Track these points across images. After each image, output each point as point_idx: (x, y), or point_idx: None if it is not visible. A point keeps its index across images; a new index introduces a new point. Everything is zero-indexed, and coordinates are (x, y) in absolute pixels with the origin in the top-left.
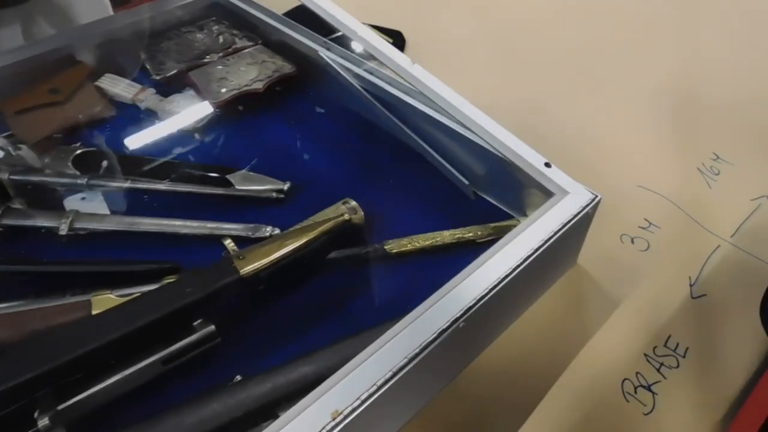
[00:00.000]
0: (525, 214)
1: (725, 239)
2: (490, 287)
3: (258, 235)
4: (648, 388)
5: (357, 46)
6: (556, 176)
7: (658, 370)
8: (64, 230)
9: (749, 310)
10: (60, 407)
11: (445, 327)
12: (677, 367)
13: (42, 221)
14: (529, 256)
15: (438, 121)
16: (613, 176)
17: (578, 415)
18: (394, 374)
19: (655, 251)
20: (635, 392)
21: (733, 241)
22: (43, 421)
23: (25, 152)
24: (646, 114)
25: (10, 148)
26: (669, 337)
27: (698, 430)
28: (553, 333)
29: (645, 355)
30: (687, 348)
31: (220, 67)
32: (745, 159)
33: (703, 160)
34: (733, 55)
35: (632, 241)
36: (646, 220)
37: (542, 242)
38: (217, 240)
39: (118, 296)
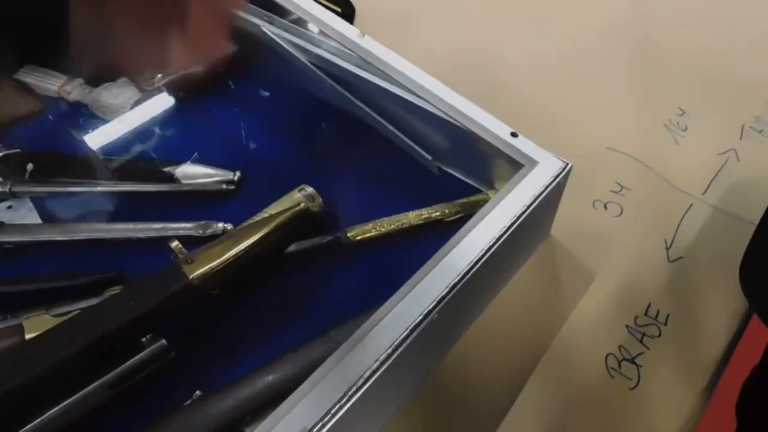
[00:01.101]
0: (493, 187)
1: (697, 197)
2: (464, 272)
3: (209, 232)
4: (632, 360)
5: (302, 19)
6: (524, 146)
7: (640, 341)
8: None
9: (726, 268)
10: None
11: (417, 321)
12: (659, 336)
13: None
14: (502, 235)
15: (395, 95)
16: (581, 140)
17: (564, 396)
18: (366, 380)
19: (628, 216)
20: (619, 367)
21: (705, 198)
22: None
23: None
24: (609, 73)
25: None
26: (649, 305)
27: (684, 400)
28: (532, 311)
29: (626, 326)
30: (668, 315)
31: None
32: (710, 111)
33: (669, 116)
34: (691, 7)
35: (605, 207)
36: (617, 183)
37: (515, 217)
38: (164, 242)
39: (53, 316)
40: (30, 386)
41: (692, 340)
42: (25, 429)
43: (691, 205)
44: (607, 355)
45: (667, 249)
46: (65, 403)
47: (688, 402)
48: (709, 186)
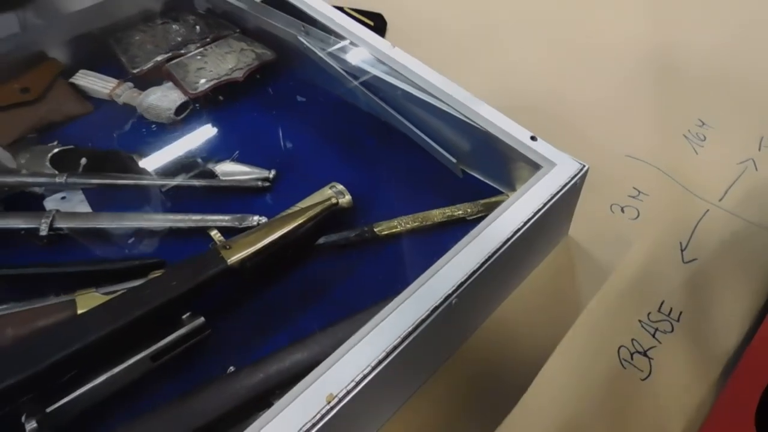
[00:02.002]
0: (514, 189)
1: (714, 203)
2: (482, 262)
3: (245, 224)
4: (644, 353)
5: (337, 30)
6: (542, 148)
7: (653, 336)
8: (44, 231)
9: (740, 272)
10: (48, 410)
11: (437, 304)
12: (672, 331)
13: (21, 223)
14: (519, 229)
15: (422, 101)
16: (601, 147)
17: (577, 385)
18: (388, 354)
19: (645, 219)
20: (631, 358)
21: (722, 204)
22: (31, 425)
23: (0, 153)
24: (630, 83)
25: None
26: (662, 302)
27: (694, 392)
28: (548, 305)
29: (639, 321)
30: (680, 312)
31: (197, 57)
32: (730, 123)
33: (688, 126)
34: (711, 20)
35: (622, 210)
36: (635, 188)
37: (532, 214)
38: (203, 233)
39: (103, 293)
40: (81, 355)
41: (704, 336)
42: (75, 394)
43: (708, 210)
44: (620, 347)
45: (682, 251)
46: (112, 371)
47: (698, 395)
48: (726, 193)
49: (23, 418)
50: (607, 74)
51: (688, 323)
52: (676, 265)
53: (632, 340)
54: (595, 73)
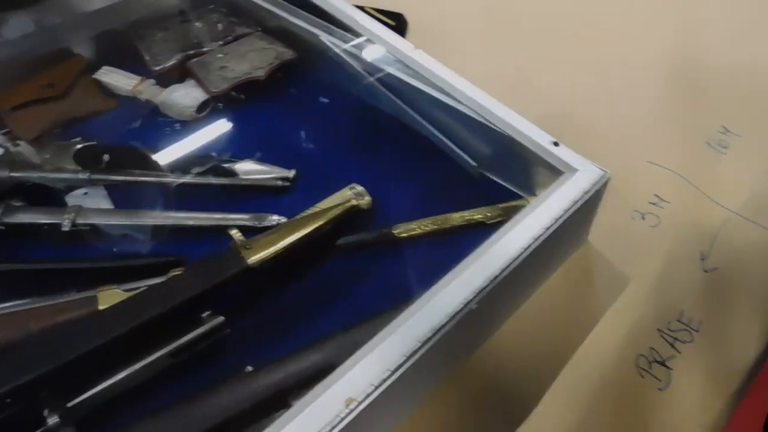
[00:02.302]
0: (534, 194)
1: (735, 212)
2: (502, 267)
3: (264, 224)
4: (662, 363)
5: (359, 30)
6: (565, 154)
7: (672, 345)
8: (67, 226)
9: (760, 282)
10: (69, 404)
11: (457, 310)
12: (691, 341)
13: (44, 218)
14: (540, 235)
15: (443, 103)
16: (622, 153)
17: (593, 392)
18: (407, 358)
19: (665, 227)
20: (650, 367)
21: (743, 213)
22: (53, 419)
23: (24, 148)
24: (653, 89)
25: (8, 145)
26: (682, 311)
27: (713, 404)
28: (566, 311)
29: (658, 330)
30: (700, 322)
31: (219, 55)
32: (753, 131)
33: (711, 133)
34: (735, 26)
35: (642, 217)
36: (656, 195)
37: (553, 221)
38: (222, 231)
39: (124, 290)
40: (102, 351)
41: (724, 347)
42: (96, 389)
43: (729, 219)
44: (639, 356)
45: (703, 260)
46: (132, 367)
47: (716, 407)
48: (747, 202)
49: (45, 413)
50: (630, 79)
51: (708, 333)
52: (696, 274)
53: (651, 348)
54: (617, 77)
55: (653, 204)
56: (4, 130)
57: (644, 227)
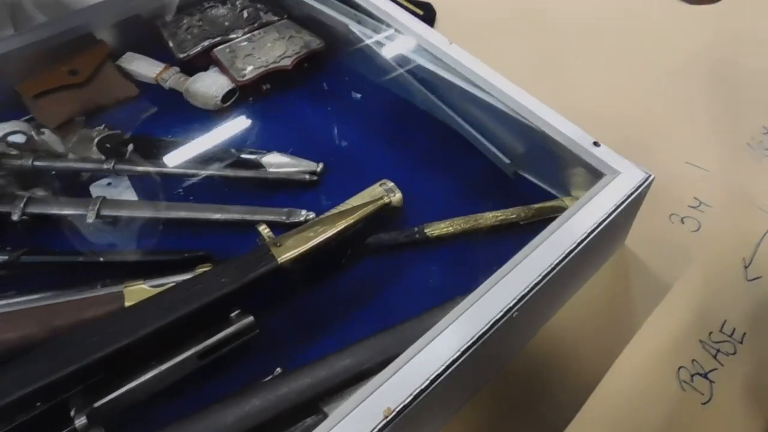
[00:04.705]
0: (569, 194)
1: None
2: (544, 273)
3: (292, 219)
4: (705, 375)
5: (390, 20)
6: (606, 155)
7: (714, 357)
8: (91, 218)
9: None
10: (96, 405)
11: (498, 317)
12: (734, 353)
13: (68, 209)
14: (583, 240)
15: (477, 98)
16: (660, 154)
17: (633, 405)
18: (447, 368)
19: (706, 231)
20: (692, 380)
21: None
22: (80, 420)
23: (48, 136)
24: (692, 89)
25: (32, 133)
26: (725, 322)
27: (757, 418)
28: (603, 317)
29: (701, 341)
30: (744, 333)
31: (245, 43)
32: None
33: (752, 134)
34: None
35: (682, 221)
36: (696, 198)
37: (596, 224)
38: (249, 226)
39: (151, 287)
40: (129, 350)
41: (767, 362)
42: (124, 389)
43: None
44: (680, 368)
45: (746, 268)
46: (159, 368)
47: (760, 421)
48: None
49: (72, 413)
50: (669, 79)
51: (752, 345)
52: (738, 283)
53: (692, 360)
54: (656, 77)
55: (693, 207)
56: (26, 117)
57: (684, 231)
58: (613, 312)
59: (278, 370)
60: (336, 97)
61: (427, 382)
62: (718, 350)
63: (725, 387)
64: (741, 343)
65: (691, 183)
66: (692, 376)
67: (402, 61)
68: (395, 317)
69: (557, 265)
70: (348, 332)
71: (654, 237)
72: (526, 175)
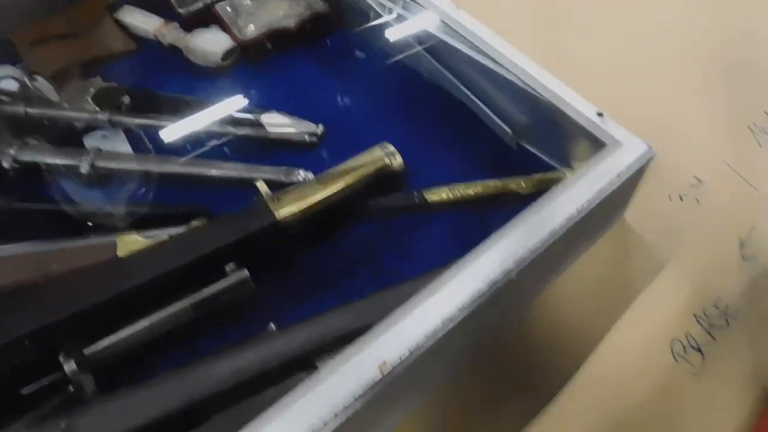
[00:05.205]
0: (570, 166)
1: None
2: (545, 238)
3: (291, 179)
4: (698, 349)
5: None
6: (610, 126)
7: (708, 332)
8: (85, 169)
9: None
10: (87, 352)
11: (497, 278)
12: (727, 328)
13: (61, 158)
14: (584, 207)
15: (483, 66)
16: (662, 132)
17: (626, 374)
18: (445, 324)
19: (704, 210)
20: (684, 353)
21: None
22: (69, 366)
23: (42, 84)
24: (699, 71)
25: (26, 79)
26: (719, 298)
27: (748, 391)
28: (599, 289)
29: (694, 315)
30: (738, 310)
31: (248, 2)
32: None
33: (754, 119)
34: None
35: (681, 199)
36: (695, 177)
37: (597, 194)
38: (247, 184)
39: (144, 237)
40: (122, 300)
41: (760, 335)
42: (115, 338)
43: None
44: (674, 340)
45: (741, 247)
46: (152, 318)
47: (752, 394)
48: None
49: (61, 358)
50: (674, 61)
51: (745, 321)
52: (734, 261)
53: (686, 334)
54: (662, 58)
55: (692, 186)
56: (19, 64)
57: (682, 209)
58: (610, 284)
59: (271, 325)
60: (338, 61)
61: (425, 337)
62: (712, 325)
63: (717, 360)
64: (734, 319)
65: (691, 163)
66: (685, 348)
67: (408, 26)
68: (393, 280)
69: (557, 230)
70: (345, 293)
71: (653, 213)
72: (529, 147)
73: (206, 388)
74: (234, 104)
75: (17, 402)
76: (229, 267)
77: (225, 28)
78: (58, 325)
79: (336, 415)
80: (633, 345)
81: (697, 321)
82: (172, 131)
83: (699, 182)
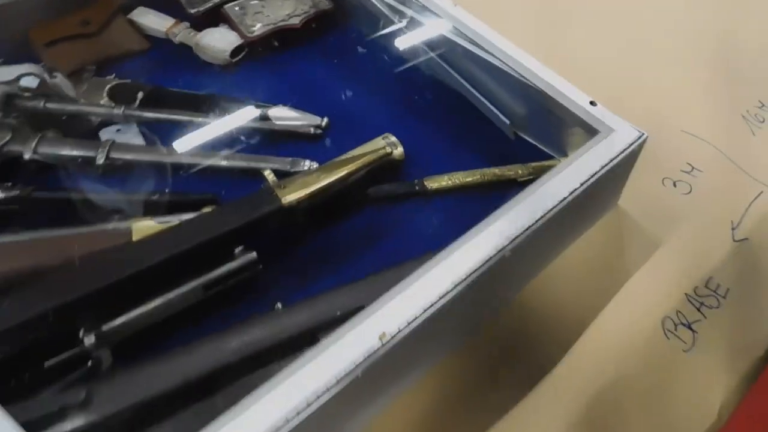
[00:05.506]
0: (566, 155)
1: None
2: (537, 219)
3: (296, 169)
4: (688, 326)
5: None
6: (602, 114)
7: (698, 310)
8: (101, 160)
9: None
10: (105, 328)
11: (491, 255)
12: (718, 307)
13: (78, 150)
14: (576, 190)
15: (481, 59)
16: (657, 121)
17: (619, 350)
18: (441, 297)
19: (697, 195)
20: (675, 330)
21: None
22: (89, 339)
23: (60, 80)
24: (694, 60)
25: (45, 75)
26: (710, 278)
27: (737, 367)
28: (593, 272)
29: (686, 294)
30: (728, 289)
31: (255, 1)
32: None
33: (747, 107)
34: None
35: (674, 185)
36: (689, 164)
37: (589, 177)
38: (255, 173)
39: (159, 223)
40: (136, 280)
41: (750, 315)
42: (131, 315)
43: (761, 192)
44: (665, 317)
45: (733, 229)
46: (165, 297)
47: (741, 370)
48: None
49: (81, 333)
50: (668, 49)
51: (735, 301)
52: (726, 243)
53: (677, 312)
54: (656, 46)
55: (686, 172)
56: (39, 64)
57: (676, 194)
58: (604, 266)
59: (278, 305)
60: (342, 56)
61: (422, 309)
62: (702, 303)
63: (707, 337)
64: (724, 297)
65: (685, 150)
66: (676, 325)
67: (408, 23)
68: (393, 261)
69: (549, 212)
70: (347, 275)
71: (646, 198)
72: (525, 136)
73: (216, 361)
74: (242, 99)
75: (40, 375)
76: (238, 250)
77: (233, 26)
78: (78, 302)
79: (338, 381)
80: (625, 322)
81: (688, 300)
82: (184, 123)
83: (692, 168)
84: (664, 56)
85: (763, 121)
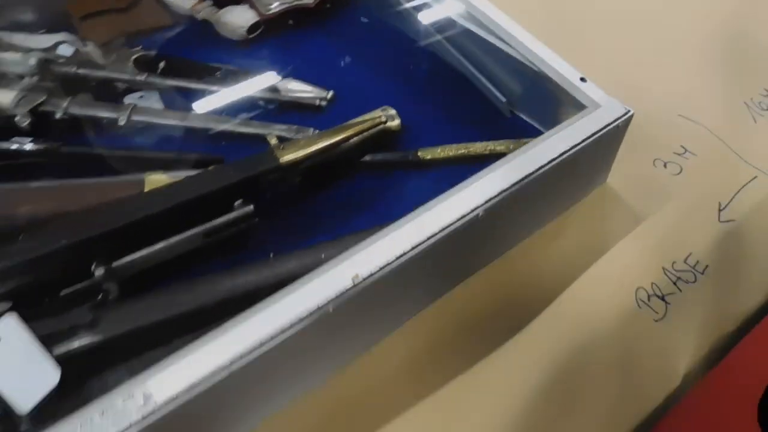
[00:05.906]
0: None
1: (764, 171)
2: (513, 182)
3: (300, 136)
4: (662, 297)
5: None
6: (590, 90)
7: (674, 283)
8: (123, 121)
9: None
10: (114, 264)
11: (465, 213)
12: (694, 282)
13: (104, 112)
14: (554, 159)
15: (481, 38)
16: (654, 104)
17: (591, 313)
18: (414, 247)
19: (687, 176)
20: (648, 300)
21: None
22: (100, 272)
23: (92, 49)
24: (698, 44)
25: (79, 44)
26: (690, 254)
27: (706, 341)
28: (576, 244)
29: (663, 268)
30: (706, 266)
31: None
32: None
33: (751, 94)
34: None
35: (665, 165)
36: (682, 147)
37: (570, 147)
38: (262, 139)
39: (169, 176)
40: (144, 224)
41: (725, 292)
42: (137, 255)
43: (755, 177)
44: (638, 288)
45: (720, 211)
46: (169, 240)
47: (711, 342)
48: None
49: (93, 266)
50: (671, 32)
51: (712, 278)
52: (711, 223)
53: (652, 284)
54: (661, 31)
55: (678, 154)
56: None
57: (666, 175)
58: (587, 240)
59: (271, 255)
60: (351, 34)
61: (395, 256)
62: (679, 278)
63: (680, 310)
64: (702, 274)
65: (680, 133)
66: (650, 296)
67: (418, 4)
68: (383, 222)
69: (525, 177)
70: (338, 233)
71: (636, 177)
72: (520, 114)
73: (212, 296)
74: (255, 71)
75: (58, 302)
76: (237, 203)
77: (251, 5)
78: (92, 240)
79: (310, 313)
80: (600, 288)
81: (665, 273)
82: (201, 91)
83: (685, 151)
84: (669, 40)
85: (767, 109)
